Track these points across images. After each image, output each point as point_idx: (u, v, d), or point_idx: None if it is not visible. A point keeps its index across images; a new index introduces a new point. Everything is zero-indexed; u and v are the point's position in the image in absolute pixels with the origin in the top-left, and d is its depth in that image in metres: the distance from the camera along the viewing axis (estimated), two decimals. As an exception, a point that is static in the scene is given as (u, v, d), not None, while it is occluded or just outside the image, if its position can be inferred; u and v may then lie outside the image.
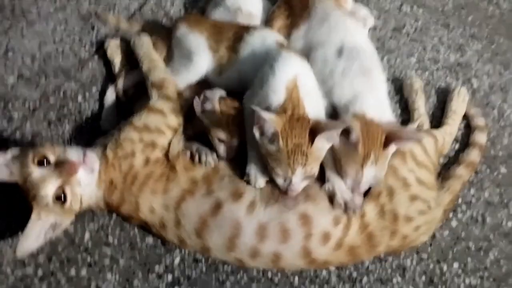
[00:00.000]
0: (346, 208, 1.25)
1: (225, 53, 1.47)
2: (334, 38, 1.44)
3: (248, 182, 1.27)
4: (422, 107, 1.60)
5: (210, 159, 1.31)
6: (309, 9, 1.54)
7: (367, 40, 1.52)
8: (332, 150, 1.27)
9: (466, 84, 1.73)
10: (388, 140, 1.23)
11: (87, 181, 1.24)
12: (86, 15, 1.85)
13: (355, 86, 1.34)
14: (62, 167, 1.20)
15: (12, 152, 1.24)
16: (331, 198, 1.27)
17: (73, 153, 1.25)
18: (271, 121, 1.16)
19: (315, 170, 1.23)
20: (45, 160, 1.21)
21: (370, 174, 1.25)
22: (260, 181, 1.27)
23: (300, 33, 1.52)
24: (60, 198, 1.20)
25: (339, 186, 1.27)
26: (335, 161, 1.29)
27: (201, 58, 1.48)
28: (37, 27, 1.81)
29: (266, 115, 1.16)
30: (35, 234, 1.20)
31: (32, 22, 1.82)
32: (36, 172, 1.20)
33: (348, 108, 1.32)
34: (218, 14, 1.66)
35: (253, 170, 1.28)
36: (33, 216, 1.18)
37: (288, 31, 1.55)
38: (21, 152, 1.24)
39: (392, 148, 1.25)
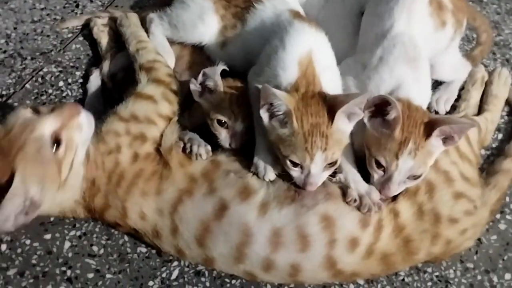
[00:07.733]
0: (361, 205, 1.17)
1: (232, 21, 1.43)
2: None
3: (256, 174, 1.20)
4: (473, 100, 1.54)
5: (202, 150, 1.23)
6: None
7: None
8: (354, 135, 1.20)
9: (506, 65, 1.66)
10: (431, 128, 1.13)
11: (86, 133, 1.19)
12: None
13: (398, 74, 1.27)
14: (62, 108, 1.16)
15: None
16: (344, 192, 1.20)
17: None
18: (283, 98, 1.10)
19: (336, 156, 1.15)
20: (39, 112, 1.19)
21: (405, 166, 1.14)
22: (270, 173, 1.20)
23: None
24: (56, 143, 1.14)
25: (354, 176, 1.20)
26: (362, 150, 1.20)
27: (205, 23, 1.45)
28: (12, 5, 1.81)
29: (277, 91, 1.10)
30: (14, 207, 1.05)
31: (7, -1, 1.84)
32: (29, 114, 1.15)
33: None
34: None
35: (261, 159, 1.22)
36: (17, 179, 1.05)
37: None
38: None
39: (437, 142, 1.15)
